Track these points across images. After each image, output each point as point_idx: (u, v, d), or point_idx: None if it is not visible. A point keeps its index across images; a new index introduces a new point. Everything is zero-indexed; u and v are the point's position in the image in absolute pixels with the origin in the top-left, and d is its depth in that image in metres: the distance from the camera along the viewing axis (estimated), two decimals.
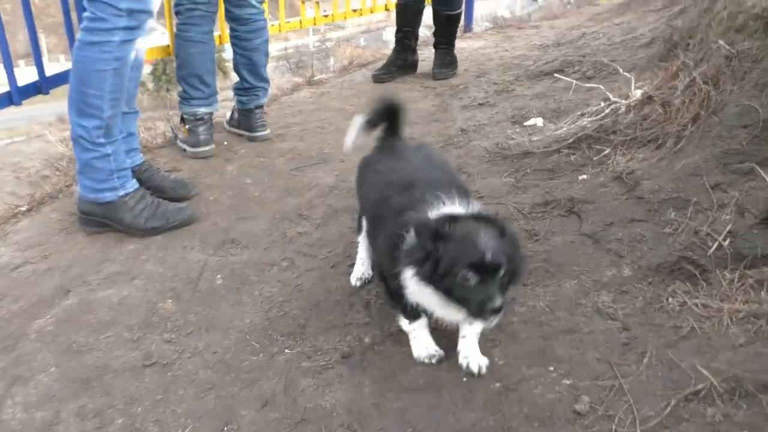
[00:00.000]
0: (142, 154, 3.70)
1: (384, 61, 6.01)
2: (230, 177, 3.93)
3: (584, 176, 3.13)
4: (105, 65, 2.97)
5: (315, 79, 5.94)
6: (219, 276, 2.90)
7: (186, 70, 4.14)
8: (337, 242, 3.06)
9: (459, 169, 3.62)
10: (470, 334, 2.21)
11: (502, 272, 1.85)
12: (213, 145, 4.30)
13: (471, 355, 2.19)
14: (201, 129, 4.24)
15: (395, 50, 5.91)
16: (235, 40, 4.36)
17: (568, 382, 2.06)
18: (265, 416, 2.10)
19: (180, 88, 4.23)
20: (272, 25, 5.71)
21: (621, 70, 3.97)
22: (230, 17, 4.27)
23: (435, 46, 5.89)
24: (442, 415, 2.00)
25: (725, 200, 2.59)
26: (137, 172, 3.54)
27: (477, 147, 3.89)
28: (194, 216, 3.38)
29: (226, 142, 4.52)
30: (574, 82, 4.02)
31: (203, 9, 3.98)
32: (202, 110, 4.21)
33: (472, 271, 1.83)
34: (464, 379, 2.13)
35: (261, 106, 4.54)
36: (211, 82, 4.24)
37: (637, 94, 3.26)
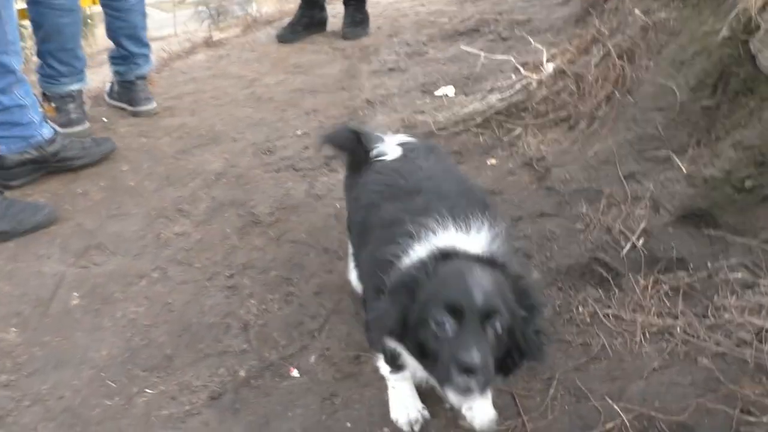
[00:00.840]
0: None
1: (290, 19, 5.44)
2: (105, 163, 3.39)
3: (493, 161, 2.82)
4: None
5: (214, 39, 5.33)
6: (76, 294, 2.45)
7: (54, 43, 3.46)
8: (217, 246, 2.64)
9: None
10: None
11: (495, 322, 1.31)
12: (87, 124, 3.72)
13: (478, 405, 1.68)
14: (72, 107, 3.64)
15: (301, 6, 5.33)
16: (106, 0, 3.73)
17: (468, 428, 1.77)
18: None
19: (42, 64, 3.58)
20: None
21: (533, 42, 3.62)
22: None
23: (345, 2, 5.37)
24: None
25: (639, 192, 2.33)
26: None
27: (381, 123, 3.50)
28: (52, 217, 2.87)
29: (105, 119, 3.94)
30: (482, 54, 3.65)
31: None
32: (74, 87, 3.62)
33: (449, 314, 1.31)
34: (348, 425, 1.81)
35: (143, 77, 3.97)
36: (82, 54, 3.64)
37: (549, 68, 2.93)
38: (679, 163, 2.27)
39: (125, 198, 3.06)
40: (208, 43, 5.28)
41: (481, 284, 1.32)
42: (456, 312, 1.30)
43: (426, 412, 1.79)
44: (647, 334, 1.92)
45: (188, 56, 5.04)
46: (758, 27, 2.10)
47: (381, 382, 1.92)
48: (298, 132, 3.58)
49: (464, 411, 1.71)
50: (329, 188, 2.90)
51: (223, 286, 2.40)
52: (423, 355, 1.40)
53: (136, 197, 3.06)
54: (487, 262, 1.43)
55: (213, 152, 3.46)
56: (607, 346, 1.93)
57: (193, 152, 3.48)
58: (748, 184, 2.00)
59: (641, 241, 2.17)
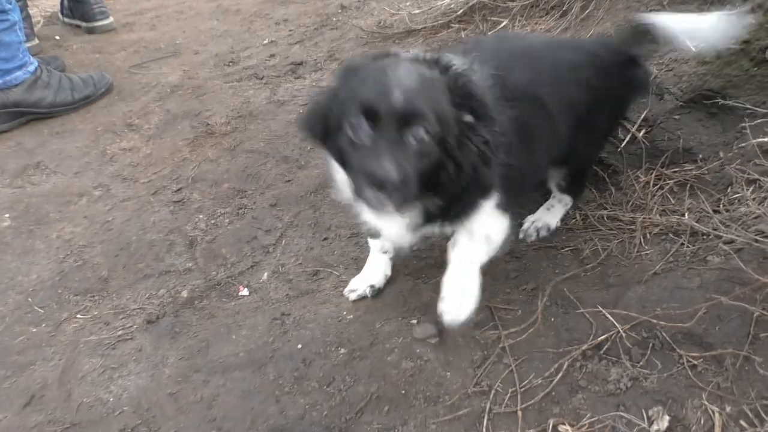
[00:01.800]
0: None
1: None
2: None
3: None
4: None
5: None
6: (7, 216, 2.15)
7: None
8: (166, 160, 2.32)
9: (331, 55, 2.86)
10: (455, 260, 1.43)
11: (419, 129, 1.07)
12: (37, 41, 3.35)
13: (448, 296, 1.40)
14: None
15: None
16: None
17: (433, 344, 1.49)
18: (24, 421, 1.47)
19: None
20: None
21: None
22: None
23: None
24: (259, 404, 1.41)
25: None
26: None
27: (354, 28, 3.10)
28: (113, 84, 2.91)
29: (58, 36, 3.56)
30: None
31: None
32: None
33: (363, 117, 1.08)
34: (299, 346, 1.54)
35: None
36: None
37: None
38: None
39: (72, 115, 2.72)
40: None
41: (403, 83, 1.07)
42: (371, 114, 1.07)
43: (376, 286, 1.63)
44: (648, 236, 1.61)
45: None
46: None
47: (340, 299, 1.65)
48: (265, 41, 3.20)
49: (440, 305, 1.41)
50: (293, 94, 2.55)
51: (169, 201, 2.10)
52: (344, 163, 1.18)
53: (82, 113, 2.73)
54: (427, 62, 1.17)
55: (171, 65, 3.09)
56: (600, 250, 1.63)
57: (150, 66, 3.12)
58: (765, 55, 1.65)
59: (642, 132, 1.83)
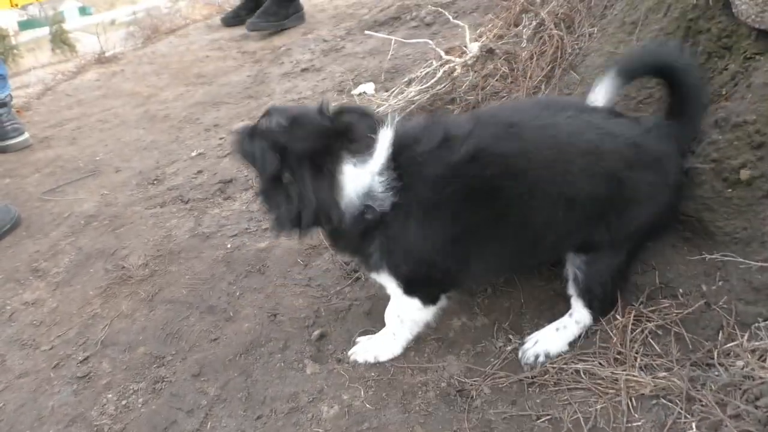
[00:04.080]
0: None
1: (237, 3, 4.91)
2: None
3: None
4: None
5: (107, 55, 4.58)
6: None
7: None
8: (74, 317, 1.96)
9: None
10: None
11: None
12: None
13: (361, 341, 1.59)
14: None
15: None
16: None
17: None
18: None
19: None
20: None
21: (452, 19, 3.03)
22: None
23: None
24: None
25: None
26: None
27: None
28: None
29: None
30: (393, 39, 3.05)
31: None
32: None
33: None
34: None
35: (4, 104, 3.23)
36: None
37: (475, 49, 2.33)
38: None
39: None
40: (101, 59, 4.53)
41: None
42: None
43: None
44: (635, 400, 1.34)
45: (76, 77, 4.29)
46: None
47: None
48: (193, 153, 2.91)
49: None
50: (220, 224, 2.24)
51: (73, 377, 1.73)
52: None
53: None
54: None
55: (88, 188, 2.75)
56: (582, 420, 1.34)
57: (65, 191, 2.77)
58: (744, 174, 1.44)
59: None
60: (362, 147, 1.33)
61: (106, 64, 4.46)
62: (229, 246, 2.10)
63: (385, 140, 1.34)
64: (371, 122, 1.37)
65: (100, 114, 3.62)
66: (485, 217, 1.35)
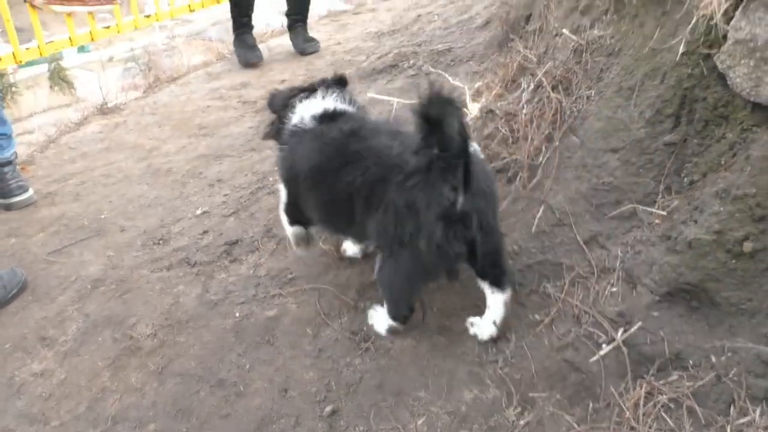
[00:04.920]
0: None
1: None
2: None
3: None
4: None
5: (109, 106, 4.63)
6: None
7: None
8: (83, 390, 1.96)
9: (268, 231, 2.60)
10: None
11: None
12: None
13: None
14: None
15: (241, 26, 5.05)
16: None
17: None
18: None
19: None
20: (108, 27, 4.46)
21: (455, 77, 3.09)
22: None
23: (291, 26, 5.21)
24: None
25: (607, 262, 1.77)
26: None
27: None
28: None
29: None
30: (396, 101, 3.11)
31: None
32: None
33: None
34: None
35: (9, 162, 3.25)
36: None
37: (475, 109, 2.38)
38: (649, 217, 1.72)
39: None
40: (103, 110, 4.58)
41: None
42: None
43: None
44: None
45: (79, 128, 4.32)
46: (725, 37, 1.59)
47: None
48: (198, 211, 2.93)
49: None
50: (227, 290, 2.25)
51: None
52: None
53: None
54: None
55: (94, 249, 2.76)
56: None
57: (71, 251, 2.78)
58: (747, 246, 1.47)
59: (620, 334, 1.60)
60: (310, 97, 2.04)
61: (109, 115, 4.50)
62: (237, 314, 2.10)
63: (320, 102, 2.01)
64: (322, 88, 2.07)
65: (104, 168, 3.65)
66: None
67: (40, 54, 4.02)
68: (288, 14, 5.22)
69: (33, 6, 3.87)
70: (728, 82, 1.61)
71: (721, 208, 1.53)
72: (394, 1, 7.61)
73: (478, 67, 3.68)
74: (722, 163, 1.61)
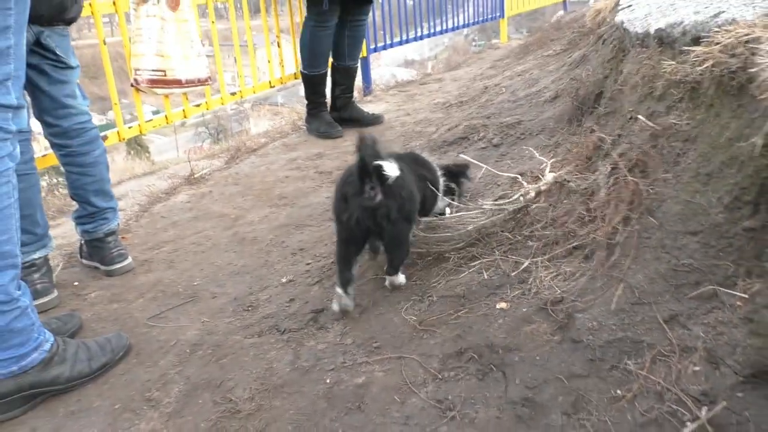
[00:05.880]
0: None
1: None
2: None
3: (503, 304, 2.37)
4: (7, 199, 2.33)
5: (196, 176, 5.06)
6: None
7: None
8: None
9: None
10: None
11: None
12: (55, 293, 3.35)
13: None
14: (36, 276, 3.28)
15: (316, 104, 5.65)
16: (68, 158, 3.45)
17: None
18: None
19: None
20: (199, 105, 5.00)
21: (537, 155, 3.29)
22: (53, 133, 3.37)
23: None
24: None
25: (688, 341, 1.87)
26: None
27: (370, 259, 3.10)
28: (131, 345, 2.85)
29: (76, 282, 3.57)
30: (484, 167, 3.32)
31: (24, 134, 3.06)
32: (37, 255, 3.27)
33: None
34: None
35: (113, 232, 3.63)
36: (43, 219, 3.32)
37: (549, 177, 2.55)
38: (731, 299, 1.82)
39: (87, 386, 2.61)
40: (190, 180, 5.01)
41: None
42: None
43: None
44: None
45: (169, 197, 4.75)
46: None
47: None
48: (283, 280, 3.18)
49: None
50: (317, 356, 2.44)
51: None
52: None
53: (99, 384, 2.61)
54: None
55: (189, 315, 3.04)
56: None
57: (168, 316, 3.07)
58: None
59: (704, 411, 1.68)
60: None
61: (195, 185, 4.93)
62: (327, 381, 2.28)
63: None
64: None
65: (194, 236, 3.99)
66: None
67: (140, 132, 4.51)
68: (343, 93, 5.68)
69: (138, 89, 4.38)
70: None
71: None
72: (458, 72, 7.99)
73: (548, 141, 3.87)
74: None
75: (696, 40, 2.36)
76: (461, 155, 4.15)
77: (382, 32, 7.42)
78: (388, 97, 7.07)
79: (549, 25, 8.79)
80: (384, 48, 7.62)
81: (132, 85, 4.45)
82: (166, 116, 4.77)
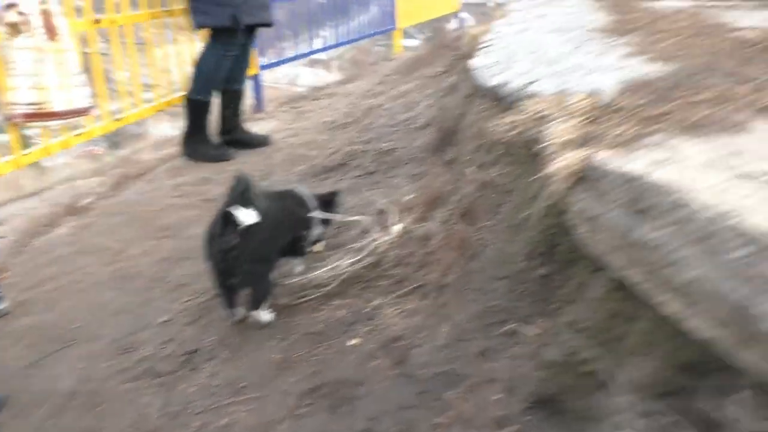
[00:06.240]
0: None
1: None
2: None
3: (355, 341, 2.69)
4: None
5: (78, 206, 5.06)
6: None
7: None
8: None
9: (221, 341, 3.03)
10: None
11: None
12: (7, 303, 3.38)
13: None
14: None
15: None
16: None
17: None
18: None
19: None
20: (80, 134, 4.94)
21: (381, 201, 3.60)
22: None
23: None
24: None
25: (494, 373, 2.25)
26: None
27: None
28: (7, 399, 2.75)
29: None
30: (338, 218, 3.63)
31: None
32: None
33: None
34: None
35: None
36: None
37: (397, 229, 2.89)
38: (525, 339, 2.21)
39: None
40: (72, 210, 5.01)
41: None
42: None
43: None
44: None
45: (49, 230, 4.73)
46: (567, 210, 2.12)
47: None
48: (161, 319, 3.35)
49: None
50: (187, 400, 2.66)
51: None
52: None
53: None
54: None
55: (68, 361, 3.15)
56: None
57: (45, 364, 3.16)
58: (584, 368, 1.95)
59: None
60: None
61: (78, 215, 4.93)
62: (195, 425, 2.51)
63: None
64: None
65: (75, 273, 4.05)
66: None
67: (17, 167, 4.48)
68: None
69: (13, 123, 4.36)
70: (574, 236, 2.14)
71: (570, 336, 2.03)
72: (350, 86, 8.28)
73: (417, 170, 4.24)
74: (572, 298, 2.12)
75: (514, 104, 2.75)
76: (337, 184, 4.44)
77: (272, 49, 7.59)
78: (280, 113, 7.25)
79: (440, 37, 9.27)
80: (277, 64, 7.81)
81: (7, 120, 4.41)
82: (45, 148, 4.75)
